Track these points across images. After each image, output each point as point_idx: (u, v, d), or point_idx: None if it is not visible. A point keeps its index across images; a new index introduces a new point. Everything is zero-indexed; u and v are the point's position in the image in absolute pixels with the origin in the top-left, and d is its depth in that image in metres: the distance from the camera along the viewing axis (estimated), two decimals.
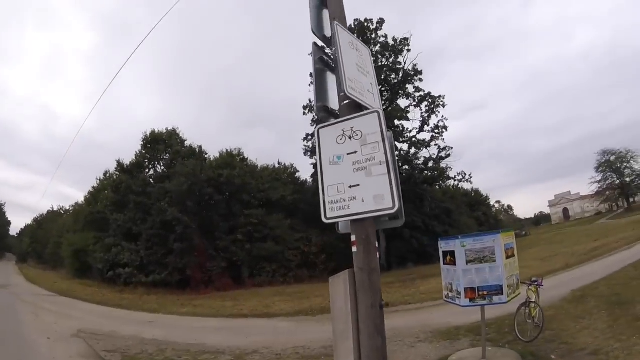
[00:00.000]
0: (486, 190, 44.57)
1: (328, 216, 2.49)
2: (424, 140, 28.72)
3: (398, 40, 28.34)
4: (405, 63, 28.72)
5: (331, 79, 3.00)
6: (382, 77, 28.13)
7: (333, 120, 2.75)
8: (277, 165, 31.13)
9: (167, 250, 21.39)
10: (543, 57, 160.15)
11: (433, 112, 28.52)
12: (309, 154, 29.39)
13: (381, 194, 2.47)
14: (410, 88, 29.11)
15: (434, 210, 29.01)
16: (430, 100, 28.57)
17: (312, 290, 17.88)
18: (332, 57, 3.03)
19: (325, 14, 3.14)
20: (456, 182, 30.46)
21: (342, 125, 2.65)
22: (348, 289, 2.43)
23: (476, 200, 42.42)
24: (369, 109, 2.81)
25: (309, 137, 29.34)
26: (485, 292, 4.82)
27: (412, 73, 28.65)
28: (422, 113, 28.84)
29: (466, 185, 34.72)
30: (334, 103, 2.88)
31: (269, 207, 25.07)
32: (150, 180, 25.30)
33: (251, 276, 22.67)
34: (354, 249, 2.55)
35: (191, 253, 21.66)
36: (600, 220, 48.83)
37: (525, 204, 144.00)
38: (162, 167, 26.16)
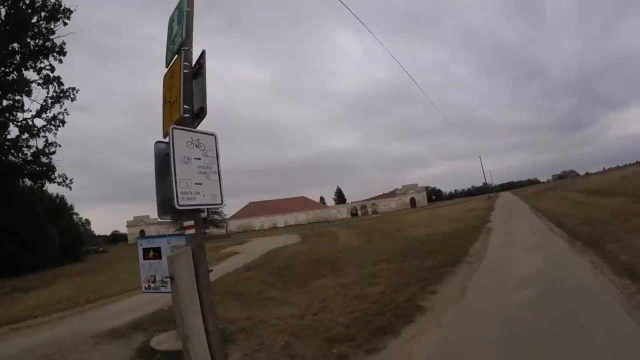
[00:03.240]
0: (70, 199, 41.02)
1: (180, 203, 3.07)
2: (37, 127, 25.01)
3: (61, 6, 24.10)
4: (53, 33, 24.57)
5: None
6: (24, 35, 23.00)
7: (185, 127, 3.33)
8: None
9: None
10: None
11: (59, 101, 25.36)
12: None
13: (216, 193, 3.38)
14: (45, 63, 24.84)
15: (26, 214, 24.94)
16: (58, 87, 25.18)
17: None
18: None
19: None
20: (56, 184, 27.59)
21: (192, 134, 3.31)
22: (191, 261, 3.12)
23: (61, 209, 38.04)
24: (201, 121, 3.58)
25: None
26: None
27: (57, 50, 24.43)
28: (46, 96, 25.25)
29: (51, 190, 31.91)
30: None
31: None
32: None
33: None
34: (191, 231, 3.26)
35: None
36: None
37: (102, 221, 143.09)
38: None
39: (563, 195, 31.06)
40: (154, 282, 5.97)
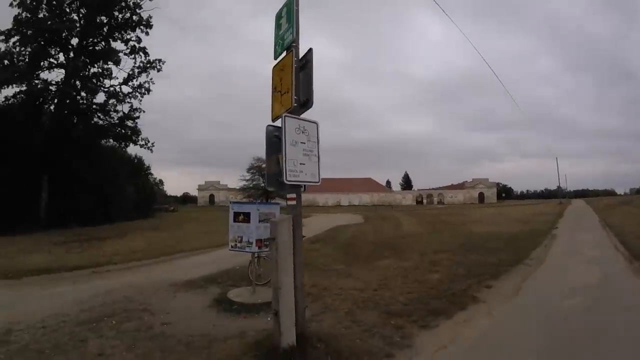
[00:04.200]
0: (147, 160, 43.97)
1: (288, 179, 3.77)
2: (124, 93, 27.24)
3: None
4: (140, 8, 26.57)
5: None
6: (112, 8, 25.18)
7: (294, 115, 4.00)
8: None
9: None
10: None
11: (145, 71, 27.43)
12: None
13: (315, 172, 4.04)
14: (132, 35, 27.05)
15: (107, 172, 27.68)
16: (144, 57, 27.39)
17: None
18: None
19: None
20: (138, 146, 29.38)
21: (299, 122, 3.98)
22: (291, 227, 3.83)
23: (138, 168, 41.06)
24: (306, 110, 4.23)
25: None
26: (267, 243, 6.79)
27: (144, 23, 26.76)
28: (134, 66, 27.31)
29: (130, 150, 34.24)
30: None
31: None
32: None
33: None
34: (293, 202, 3.97)
35: None
36: None
37: (175, 182, 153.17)
38: None
39: (636, 211, 28.60)
40: (240, 242, 6.89)
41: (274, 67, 4.53)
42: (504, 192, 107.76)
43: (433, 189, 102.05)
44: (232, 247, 7.03)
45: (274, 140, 4.09)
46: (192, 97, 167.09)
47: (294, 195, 3.98)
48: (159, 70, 27.82)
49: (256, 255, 7.48)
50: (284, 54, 4.41)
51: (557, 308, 6.13)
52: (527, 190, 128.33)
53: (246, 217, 6.84)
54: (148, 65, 27.49)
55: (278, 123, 4.09)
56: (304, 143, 3.97)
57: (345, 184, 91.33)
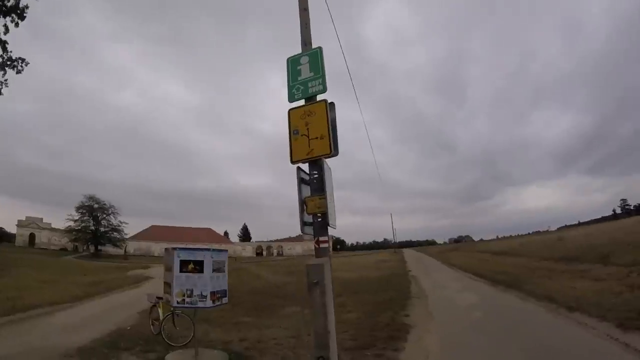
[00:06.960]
0: None
1: (334, 223, 3.99)
2: None
3: None
4: None
5: None
6: None
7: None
8: None
9: None
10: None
11: (2, 69, 21.66)
12: None
13: (334, 216, 4.34)
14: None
15: None
16: (3, 51, 21.62)
17: None
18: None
19: None
20: None
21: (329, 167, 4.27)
22: (329, 267, 3.98)
23: None
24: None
25: None
26: (219, 295, 6.20)
27: (19, 11, 21.14)
28: None
29: None
30: None
31: None
32: None
33: None
34: (326, 245, 4.13)
35: None
36: (67, 256, 49.28)
37: None
38: None
39: (467, 254, 35.28)
40: (190, 296, 5.91)
41: (293, 110, 4.51)
42: (339, 244, 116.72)
43: (272, 241, 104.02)
44: (178, 302, 5.94)
45: (300, 184, 4.23)
46: (22, 113, 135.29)
47: (326, 238, 4.13)
48: (18, 72, 22.46)
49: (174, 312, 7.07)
50: (303, 100, 4.54)
51: (469, 319, 8.18)
52: (357, 242, 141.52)
53: (197, 266, 6.16)
54: (8, 63, 21.92)
55: (298, 165, 4.30)
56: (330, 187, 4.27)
57: (184, 234, 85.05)
